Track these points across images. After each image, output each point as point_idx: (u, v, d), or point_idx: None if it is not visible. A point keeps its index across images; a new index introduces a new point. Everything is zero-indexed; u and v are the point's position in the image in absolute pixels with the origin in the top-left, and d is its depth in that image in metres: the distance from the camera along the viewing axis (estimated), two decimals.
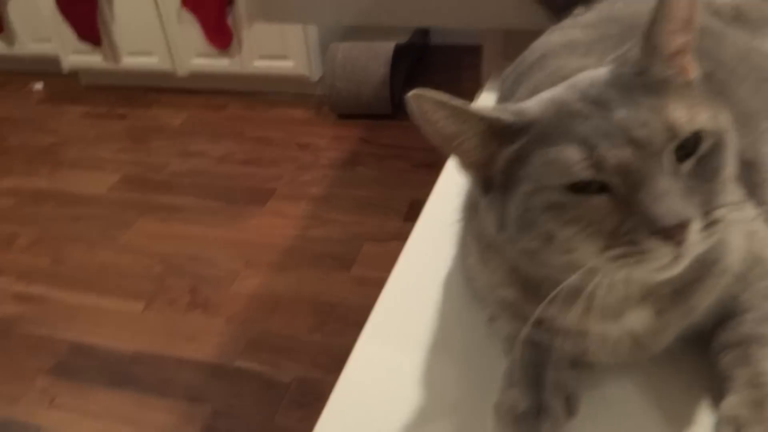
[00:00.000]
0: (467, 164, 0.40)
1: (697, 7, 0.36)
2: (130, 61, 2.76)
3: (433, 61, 2.89)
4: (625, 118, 0.34)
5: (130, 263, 1.92)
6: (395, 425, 0.43)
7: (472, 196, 0.46)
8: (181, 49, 2.64)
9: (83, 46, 2.75)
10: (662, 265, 0.33)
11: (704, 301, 0.40)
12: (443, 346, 0.47)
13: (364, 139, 2.39)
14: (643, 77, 0.36)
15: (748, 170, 0.45)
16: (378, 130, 2.41)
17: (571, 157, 0.34)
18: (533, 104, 0.38)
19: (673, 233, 0.32)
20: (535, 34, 0.66)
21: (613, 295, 0.36)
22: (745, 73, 0.52)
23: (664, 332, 0.40)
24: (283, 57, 2.50)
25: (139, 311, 1.75)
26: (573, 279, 0.34)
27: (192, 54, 2.64)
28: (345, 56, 2.36)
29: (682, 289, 0.39)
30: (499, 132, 0.38)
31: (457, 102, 0.37)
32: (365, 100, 2.40)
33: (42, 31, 2.86)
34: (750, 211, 0.42)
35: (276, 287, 1.78)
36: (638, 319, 0.39)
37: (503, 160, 0.38)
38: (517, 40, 0.66)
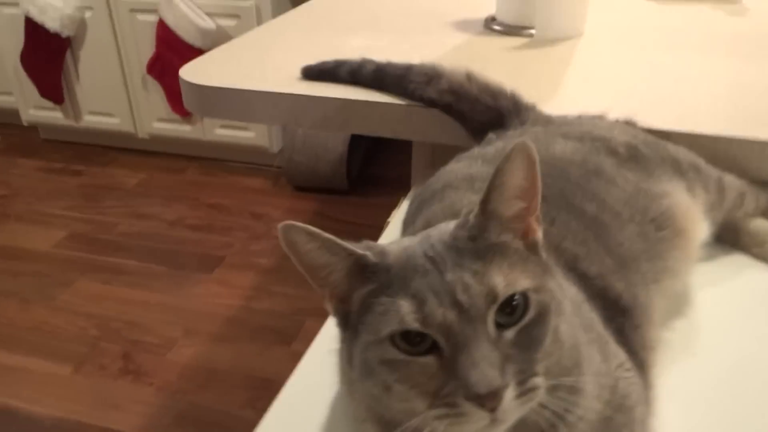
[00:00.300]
0: (330, 297, 0.41)
1: (537, 176, 0.38)
2: (91, 120, 2.76)
3: (392, 140, 2.98)
4: (452, 280, 0.36)
5: (64, 324, 1.86)
6: None
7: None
8: (143, 112, 2.66)
9: (45, 101, 2.75)
10: (480, 428, 0.35)
11: None
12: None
13: (319, 213, 2.42)
14: (476, 242, 0.38)
15: (623, 316, 0.49)
16: (333, 205, 2.44)
17: (404, 308, 0.36)
18: (394, 249, 0.40)
19: (485, 400, 0.34)
20: (461, 148, 0.70)
21: None
22: (629, 216, 0.55)
23: None
24: (245, 128, 2.54)
25: (67, 374, 1.68)
26: (414, 423, 0.36)
27: (154, 118, 2.66)
28: (305, 131, 2.42)
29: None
30: (361, 270, 0.39)
31: (327, 235, 0.39)
32: (322, 174, 2.44)
33: (3, 83, 2.86)
34: (620, 356, 0.45)
35: (212, 358, 1.74)
36: None
37: (358, 300, 0.40)
38: (443, 153, 0.70)
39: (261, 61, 0.95)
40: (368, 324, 0.38)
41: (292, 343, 1.78)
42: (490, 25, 1.14)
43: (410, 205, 0.63)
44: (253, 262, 2.15)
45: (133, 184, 2.64)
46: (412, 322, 0.36)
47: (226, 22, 2.37)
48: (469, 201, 0.53)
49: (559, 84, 0.87)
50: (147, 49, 2.49)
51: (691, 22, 1.15)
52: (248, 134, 2.55)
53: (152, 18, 2.42)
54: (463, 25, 1.14)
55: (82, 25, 2.55)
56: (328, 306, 0.42)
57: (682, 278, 0.58)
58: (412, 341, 0.37)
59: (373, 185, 2.50)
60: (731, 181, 0.67)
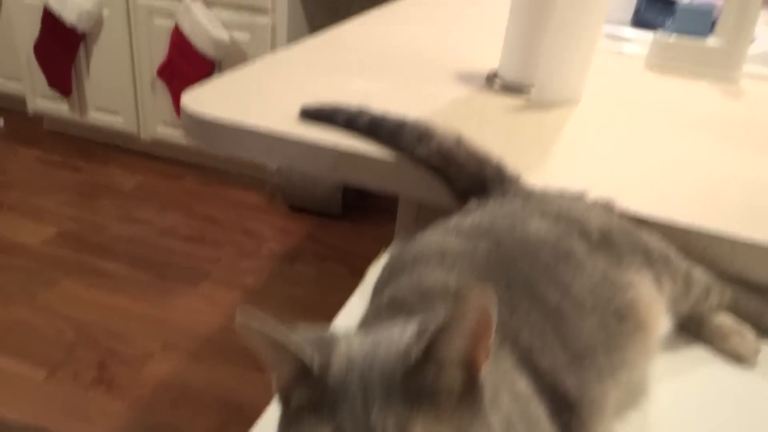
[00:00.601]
0: (276, 381, 0.42)
1: (491, 321, 0.37)
2: (96, 116, 2.79)
3: None
4: (374, 425, 0.36)
5: (44, 324, 1.86)
6: None
7: None
8: (148, 114, 2.69)
9: (52, 92, 2.78)
10: None
11: None
12: None
13: (311, 237, 2.42)
14: (410, 382, 0.37)
15: (569, 412, 0.49)
16: (326, 229, 2.45)
17: None
18: (338, 361, 0.39)
19: None
20: (446, 209, 0.71)
21: None
22: (592, 306, 0.55)
23: None
24: None
25: (40, 379, 1.68)
26: None
27: (158, 121, 2.68)
28: None
29: None
30: (304, 373, 0.39)
31: (280, 334, 0.39)
32: (318, 197, 2.46)
33: (13, 70, 2.88)
34: None
35: (187, 377, 1.74)
36: None
37: (296, 400, 0.40)
38: (429, 210, 0.71)
39: (262, 94, 0.97)
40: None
41: (267, 370, 1.77)
42: (491, 80, 1.16)
43: (382, 271, 0.64)
44: (240, 281, 2.15)
45: (130, 186, 2.66)
46: None
47: (241, 36, 2.40)
48: (439, 280, 0.53)
49: (548, 152, 0.88)
50: (159, 52, 2.52)
51: (686, 98, 1.16)
52: None
53: (169, 23, 2.45)
54: (465, 78, 1.15)
55: (98, 22, 2.59)
56: (274, 386, 0.42)
57: (639, 371, 0.59)
58: None
59: (367, 214, 2.52)
60: (699, 275, 0.68)
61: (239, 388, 1.70)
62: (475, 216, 0.65)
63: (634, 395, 0.61)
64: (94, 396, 1.65)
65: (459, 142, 0.78)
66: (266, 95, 0.98)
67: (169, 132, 2.69)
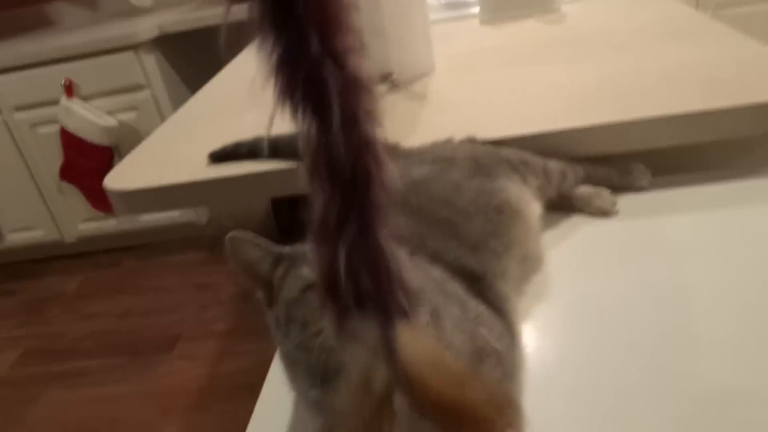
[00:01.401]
0: (261, 287, 0.58)
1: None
2: (13, 238, 2.80)
3: None
4: None
5: None
6: None
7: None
8: (65, 218, 2.73)
9: None
10: None
11: None
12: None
13: None
14: None
15: (478, 282, 0.67)
16: None
17: (305, 272, 0.55)
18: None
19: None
20: None
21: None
22: (475, 211, 0.74)
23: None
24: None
25: None
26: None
27: (78, 220, 2.73)
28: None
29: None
30: (280, 259, 0.57)
31: (259, 240, 0.57)
32: (254, 233, 2.58)
33: None
34: (478, 309, 0.63)
35: (196, 429, 1.84)
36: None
37: (278, 277, 0.57)
38: None
39: (172, 156, 1.10)
40: (286, 287, 0.55)
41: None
42: None
43: None
44: (211, 330, 2.26)
45: (73, 288, 2.70)
46: (311, 277, 0.54)
47: (127, 116, 2.49)
48: None
49: (417, 120, 1.06)
50: (54, 156, 2.57)
51: (518, 38, 1.38)
52: (173, 214, 2.66)
53: (53, 128, 2.51)
54: None
55: None
56: (259, 295, 0.58)
57: (526, 244, 0.77)
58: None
59: (303, 231, 2.66)
60: (553, 164, 0.87)
61: (246, 418, 1.80)
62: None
63: (534, 264, 0.79)
64: None
65: None
66: (174, 155, 1.12)
67: (91, 226, 2.74)
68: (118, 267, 2.78)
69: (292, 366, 0.58)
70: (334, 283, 0.40)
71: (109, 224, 2.72)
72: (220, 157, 1.03)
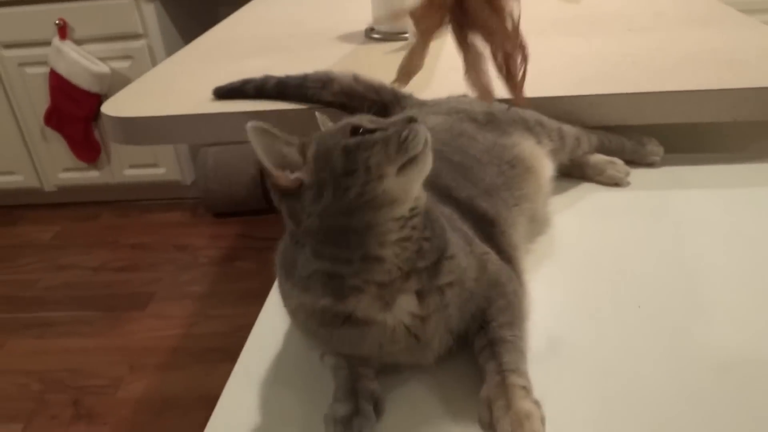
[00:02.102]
0: (284, 180, 0.53)
1: None
2: None
3: None
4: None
5: (3, 385, 1.86)
6: None
7: (284, 253, 0.58)
8: (47, 165, 2.65)
9: None
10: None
11: (455, 298, 0.56)
12: (296, 381, 0.62)
13: (242, 235, 2.50)
14: None
15: (490, 225, 0.65)
16: (254, 225, 2.54)
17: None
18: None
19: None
20: None
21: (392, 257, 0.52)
22: (488, 161, 0.72)
23: (429, 323, 0.55)
24: (154, 165, 2.59)
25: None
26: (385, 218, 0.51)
27: (59, 169, 2.65)
28: (216, 160, 2.51)
29: (432, 277, 0.54)
30: (305, 143, 0.54)
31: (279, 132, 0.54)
32: (239, 198, 2.53)
33: None
34: (485, 249, 0.61)
35: (163, 388, 1.80)
36: (406, 304, 0.54)
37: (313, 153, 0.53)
38: None
39: (174, 90, 1.06)
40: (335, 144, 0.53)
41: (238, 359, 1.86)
42: (369, 34, 1.30)
43: None
44: (186, 291, 2.21)
45: (48, 238, 2.62)
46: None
47: (121, 64, 2.42)
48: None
49: (432, 75, 1.04)
50: (41, 101, 2.49)
51: (536, 12, 1.35)
52: (159, 170, 2.60)
53: (43, 70, 2.43)
54: (347, 38, 1.30)
55: None
56: (279, 189, 0.53)
57: (536, 202, 0.75)
58: None
59: None
60: (568, 129, 0.86)
61: (215, 382, 1.73)
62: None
63: (541, 225, 0.77)
64: (77, 430, 1.68)
65: (356, 78, 0.92)
66: (177, 89, 1.08)
67: (72, 176, 2.67)
68: (97, 221, 2.71)
69: (337, 236, 0.53)
70: None
71: (90, 176, 2.65)
72: (225, 92, 0.99)
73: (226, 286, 2.23)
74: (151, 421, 1.69)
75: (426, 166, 0.53)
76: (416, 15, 0.62)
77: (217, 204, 2.57)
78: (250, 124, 0.51)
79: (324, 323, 0.56)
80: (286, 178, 0.53)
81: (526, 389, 0.53)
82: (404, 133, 0.52)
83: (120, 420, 1.70)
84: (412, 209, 0.53)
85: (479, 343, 0.58)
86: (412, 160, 0.52)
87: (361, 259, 0.52)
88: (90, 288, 2.28)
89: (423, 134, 0.53)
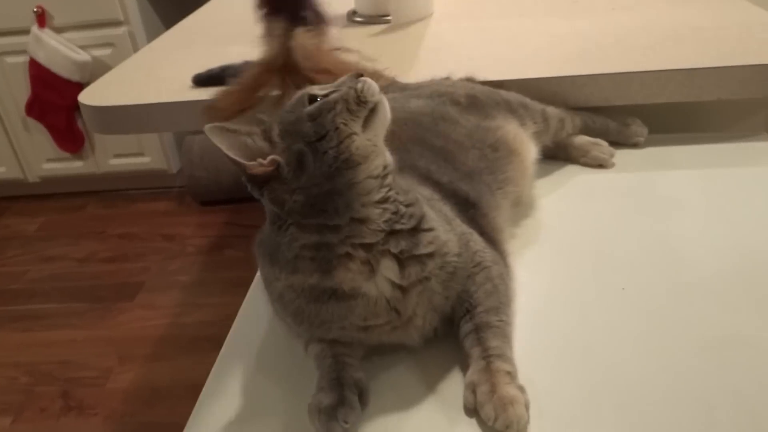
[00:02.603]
0: (259, 168, 0.53)
1: None
2: None
3: None
4: None
5: None
6: (247, 429, 0.55)
7: (265, 242, 0.58)
8: (29, 156, 2.61)
9: None
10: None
11: (436, 271, 0.55)
12: (280, 370, 0.61)
13: (229, 223, 2.49)
14: None
15: (473, 208, 0.65)
16: (242, 213, 2.52)
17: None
18: None
19: None
20: None
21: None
22: (471, 145, 0.72)
23: (410, 296, 0.55)
24: (139, 154, 2.56)
25: (6, 426, 1.67)
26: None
27: (42, 160, 2.62)
28: (201, 147, 2.48)
29: (412, 246, 0.54)
30: (265, 128, 0.55)
31: (240, 126, 0.54)
32: (226, 186, 2.51)
33: None
34: (466, 230, 0.61)
35: (153, 378, 1.79)
36: (387, 270, 0.54)
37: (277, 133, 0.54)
38: None
39: (153, 78, 1.04)
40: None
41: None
42: (352, 18, 1.29)
43: None
44: (174, 281, 2.19)
45: (33, 230, 2.59)
46: None
47: (102, 52, 2.38)
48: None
49: (415, 58, 1.02)
50: (22, 90, 2.45)
51: None
52: (144, 159, 2.57)
53: (22, 59, 2.39)
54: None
55: None
56: (252, 179, 0.53)
57: (520, 185, 0.75)
58: None
59: None
60: (552, 111, 0.85)
61: (206, 370, 1.73)
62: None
63: (525, 209, 0.77)
64: (68, 422, 1.67)
65: None
66: (156, 77, 1.06)
67: (56, 167, 2.63)
68: (82, 211, 2.68)
69: (320, 202, 0.53)
70: None
71: (74, 166, 2.61)
72: (204, 79, 0.97)
73: (214, 274, 2.21)
74: (141, 411, 1.68)
75: (386, 113, 0.55)
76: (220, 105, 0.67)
77: (204, 192, 2.55)
78: (207, 127, 0.51)
79: (311, 299, 0.55)
80: (261, 165, 0.52)
81: (511, 375, 0.53)
82: (358, 86, 0.54)
83: (110, 411, 1.69)
84: (384, 167, 0.55)
85: (465, 327, 0.57)
86: (372, 111, 0.54)
87: (349, 222, 0.53)
88: (77, 279, 2.26)
89: (374, 84, 0.54)
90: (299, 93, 0.56)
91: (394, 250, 0.54)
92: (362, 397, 0.55)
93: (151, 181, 2.69)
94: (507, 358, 0.55)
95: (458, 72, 0.89)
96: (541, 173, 0.83)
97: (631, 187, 0.81)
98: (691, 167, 0.84)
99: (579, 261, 0.70)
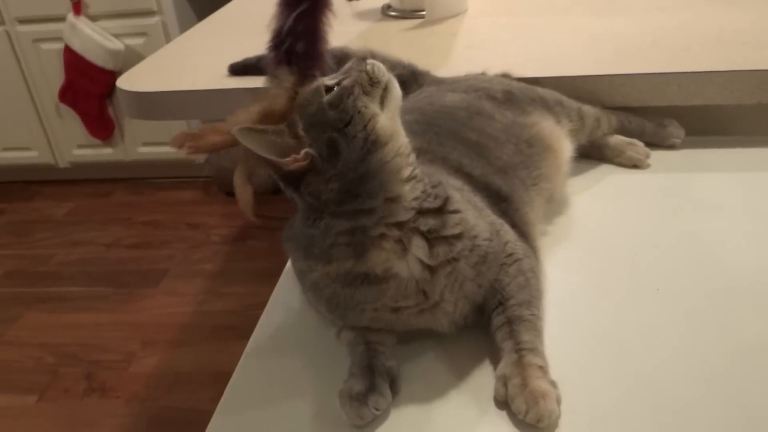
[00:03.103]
0: (295, 163, 0.53)
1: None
2: (6, 156, 2.73)
3: None
4: None
5: (19, 357, 1.88)
6: (277, 414, 0.56)
7: (298, 236, 0.58)
8: (61, 141, 2.66)
9: None
10: None
11: (465, 252, 0.56)
12: (310, 358, 0.62)
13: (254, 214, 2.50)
14: None
15: (505, 201, 0.65)
16: (265, 204, 2.51)
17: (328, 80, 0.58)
18: None
19: None
20: None
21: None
22: (506, 140, 0.72)
23: (438, 276, 0.55)
24: (167, 143, 2.58)
25: (32, 404, 1.71)
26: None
27: (73, 145, 2.66)
28: None
29: (440, 226, 0.55)
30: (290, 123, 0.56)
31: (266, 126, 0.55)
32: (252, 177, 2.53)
33: None
34: (497, 221, 0.61)
35: (175, 363, 1.81)
36: (417, 249, 0.55)
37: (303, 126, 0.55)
38: None
39: (189, 65, 1.06)
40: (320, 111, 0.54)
41: (249, 336, 1.86)
42: (386, 12, 1.29)
43: None
44: (198, 269, 2.22)
45: (61, 214, 2.64)
46: None
47: (135, 41, 2.41)
48: None
49: (449, 53, 1.02)
50: (56, 77, 2.50)
51: None
52: (172, 149, 2.60)
53: (57, 46, 2.43)
54: (364, 15, 1.28)
55: None
56: (285, 177, 0.55)
57: (554, 182, 0.74)
58: None
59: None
60: (588, 109, 0.84)
61: (226, 359, 1.76)
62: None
63: (558, 206, 0.76)
64: (91, 402, 1.70)
65: (372, 54, 0.91)
66: (192, 65, 1.07)
67: (86, 153, 2.67)
68: (110, 197, 2.72)
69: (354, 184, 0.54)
70: (279, 38, 0.69)
71: (104, 153, 2.65)
72: (240, 68, 0.98)
73: (237, 264, 2.24)
74: (162, 395, 1.71)
75: (398, 90, 0.56)
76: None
77: (229, 183, 2.52)
78: (236, 130, 0.52)
79: (346, 285, 0.56)
80: (295, 160, 0.53)
81: (543, 369, 0.53)
82: (368, 68, 0.55)
83: (131, 394, 1.72)
84: (406, 145, 0.56)
85: (497, 320, 0.57)
86: (386, 90, 0.55)
87: (383, 203, 0.54)
88: (103, 264, 2.30)
89: (381, 65, 0.56)
90: (312, 86, 0.57)
91: (423, 228, 0.55)
92: (393, 384, 0.55)
93: (178, 170, 2.72)
94: (539, 353, 0.55)
95: (493, 68, 0.89)
96: (575, 172, 0.83)
97: (667, 188, 0.81)
98: (728, 170, 0.83)
99: (612, 260, 0.69)
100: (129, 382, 1.76)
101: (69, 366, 1.83)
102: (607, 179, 0.83)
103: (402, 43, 1.11)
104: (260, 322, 0.70)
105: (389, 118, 0.55)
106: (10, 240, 2.52)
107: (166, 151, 2.61)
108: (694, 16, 1.09)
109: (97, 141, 2.62)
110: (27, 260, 2.36)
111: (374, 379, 0.54)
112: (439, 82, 0.86)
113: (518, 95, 0.79)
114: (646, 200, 0.79)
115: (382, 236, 0.54)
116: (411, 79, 0.88)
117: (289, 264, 0.76)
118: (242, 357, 0.65)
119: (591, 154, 0.87)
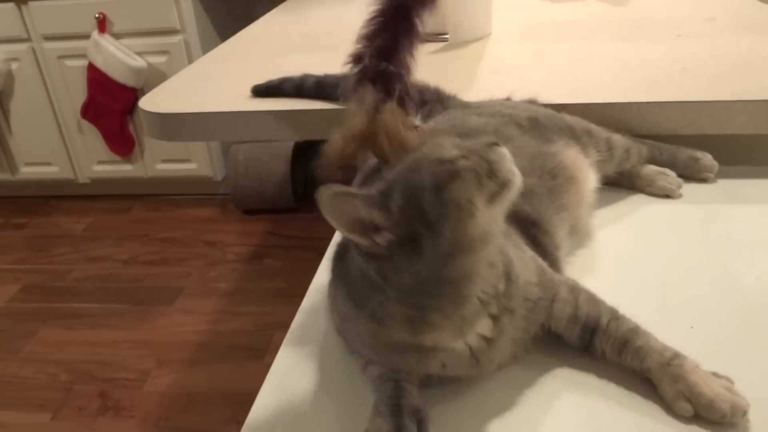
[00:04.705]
0: (375, 248, 0.48)
1: None
2: (28, 171, 2.76)
3: None
4: None
5: (34, 373, 1.88)
6: None
7: (351, 277, 0.54)
8: (81, 157, 2.69)
9: None
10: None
11: (522, 311, 0.54)
12: (331, 391, 0.60)
13: (270, 233, 2.50)
14: None
15: (534, 227, 0.63)
16: (283, 223, 2.54)
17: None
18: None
19: None
20: None
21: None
22: (530, 170, 0.69)
23: (496, 345, 0.54)
24: (186, 160, 2.61)
25: (45, 422, 1.70)
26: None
27: (93, 161, 2.69)
28: (247, 157, 2.51)
29: (507, 300, 0.53)
30: (378, 198, 0.48)
31: (353, 191, 0.49)
32: (269, 196, 2.53)
33: None
34: (529, 252, 0.59)
35: (189, 383, 1.80)
36: (481, 327, 0.53)
37: (395, 207, 0.48)
38: None
39: (211, 86, 1.06)
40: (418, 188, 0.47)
41: (264, 357, 1.85)
42: None
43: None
44: (214, 288, 2.21)
45: (80, 229, 2.66)
46: None
47: (157, 59, 2.44)
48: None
49: (474, 77, 1.01)
50: (78, 93, 2.53)
51: (580, 15, 1.33)
52: (190, 166, 2.62)
53: (81, 63, 2.46)
54: None
55: (9, 78, 2.56)
56: (364, 247, 0.48)
57: (577, 213, 0.72)
58: None
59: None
60: (618, 139, 0.82)
61: (240, 380, 1.77)
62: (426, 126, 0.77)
63: (581, 238, 0.74)
64: (104, 422, 1.69)
65: (425, 86, 0.90)
66: (215, 86, 1.07)
67: (106, 169, 2.70)
68: (128, 213, 2.74)
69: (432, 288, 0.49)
70: (361, 58, 0.69)
71: (123, 169, 2.68)
72: (263, 90, 0.98)
73: (253, 283, 2.23)
74: (176, 416, 1.69)
75: (515, 193, 0.50)
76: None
77: (247, 201, 2.57)
78: (324, 192, 0.45)
79: (392, 346, 0.54)
80: (375, 245, 0.48)
81: (697, 365, 0.53)
82: (492, 158, 0.49)
83: (145, 414, 1.70)
84: (498, 248, 0.52)
85: (609, 348, 0.56)
86: (502, 187, 0.49)
87: (451, 302, 0.50)
88: (120, 281, 2.30)
89: (509, 156, 0.50)
90: (423, 152, 0.50)
91: (492, 312, 0.53)
92: (422, 426, 0.53)
93: (196, 187, 2.73)
94: (677, 352, 0.54)
95: (519, 94, 0.87)
96: (604, 201, 0.81)
97: (700, 219, 0.78)
98: (763, 202, 0.81)
99: (642, 295, 0.67)
100: (143, 401, 1.74)
101: (83, 384, 1.83)
102: (637, 209, 0.81)
103: (426, 66, 1.09)
104: (283, 346, 0.68)
105: (492, 215, 0.49)
106: (29, 254, 2.54)
107: (185, 168, 2.63)
108: (722, 44, 1.07)
109: (117, 157, 2.64)
110: (45, 275, 2.37)
111: (402, 420, 0.52)
112: (465, 106, 0.84)
113: (544, 123, 0.78)
114: (678, 232, 0.77)
115: (444, 324, 0.51)
116: (437, 102, 0.87)
117: (313, 285, 0.75)
118: (264, 383, 0.63)
119: (621, 182, 0.85)
